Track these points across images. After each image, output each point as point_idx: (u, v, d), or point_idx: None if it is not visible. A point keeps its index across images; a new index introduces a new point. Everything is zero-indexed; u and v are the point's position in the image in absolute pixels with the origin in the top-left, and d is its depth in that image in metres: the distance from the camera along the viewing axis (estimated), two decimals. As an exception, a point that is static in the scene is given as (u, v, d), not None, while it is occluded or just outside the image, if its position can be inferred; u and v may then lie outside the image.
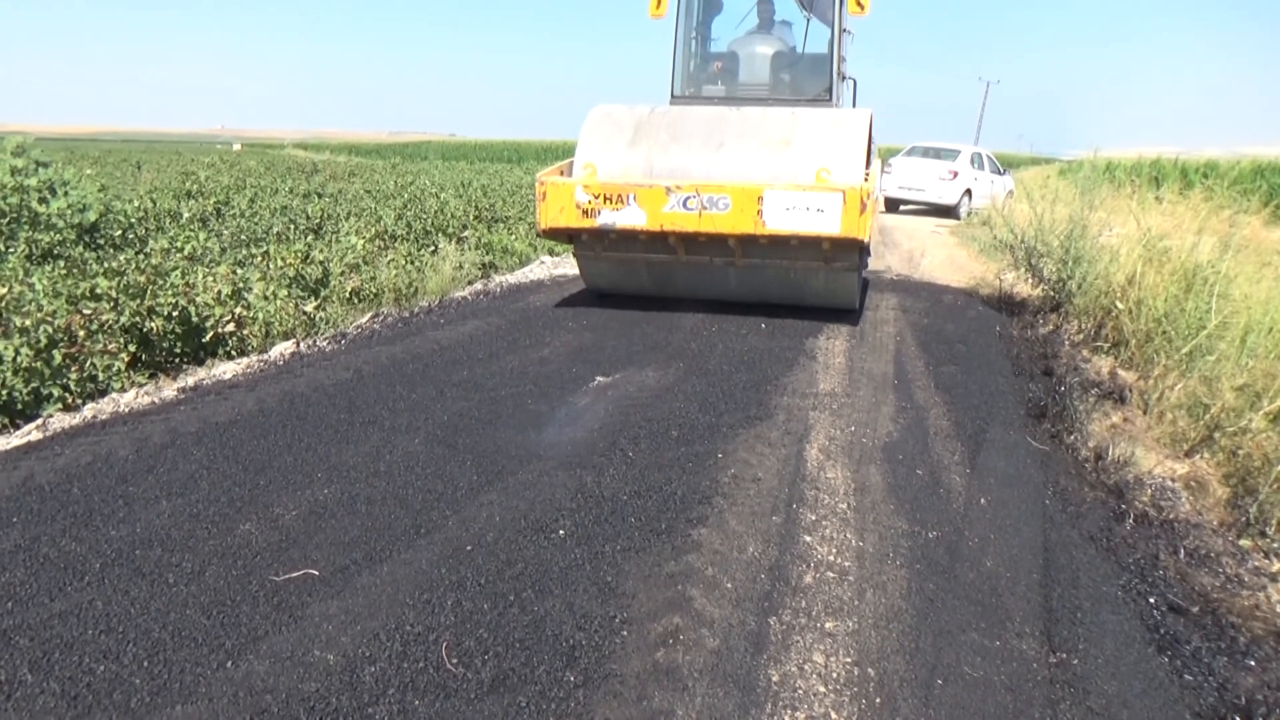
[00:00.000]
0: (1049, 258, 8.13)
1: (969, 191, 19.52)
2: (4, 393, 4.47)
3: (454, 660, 2.37)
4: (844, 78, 7.94)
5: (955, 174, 19.44)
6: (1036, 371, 5.89)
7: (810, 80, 7.98)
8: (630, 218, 6.26)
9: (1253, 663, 2.61)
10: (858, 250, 6.29)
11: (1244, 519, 3.61)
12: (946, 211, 19.40)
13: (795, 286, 6.86)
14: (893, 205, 20.62)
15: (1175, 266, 6.08)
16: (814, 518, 3.40)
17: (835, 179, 6.15)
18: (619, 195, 6.27)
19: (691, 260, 6.75)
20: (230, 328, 5.95)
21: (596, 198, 6.32)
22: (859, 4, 7.41)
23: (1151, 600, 2.97)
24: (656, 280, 7.20)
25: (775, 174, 6.33)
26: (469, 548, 3.01)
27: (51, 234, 8.70)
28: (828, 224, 5.88)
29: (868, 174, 6.31)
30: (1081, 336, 6.75)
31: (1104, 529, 3.51)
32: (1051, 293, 7.92)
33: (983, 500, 3.67)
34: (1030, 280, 8.77)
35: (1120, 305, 6.29)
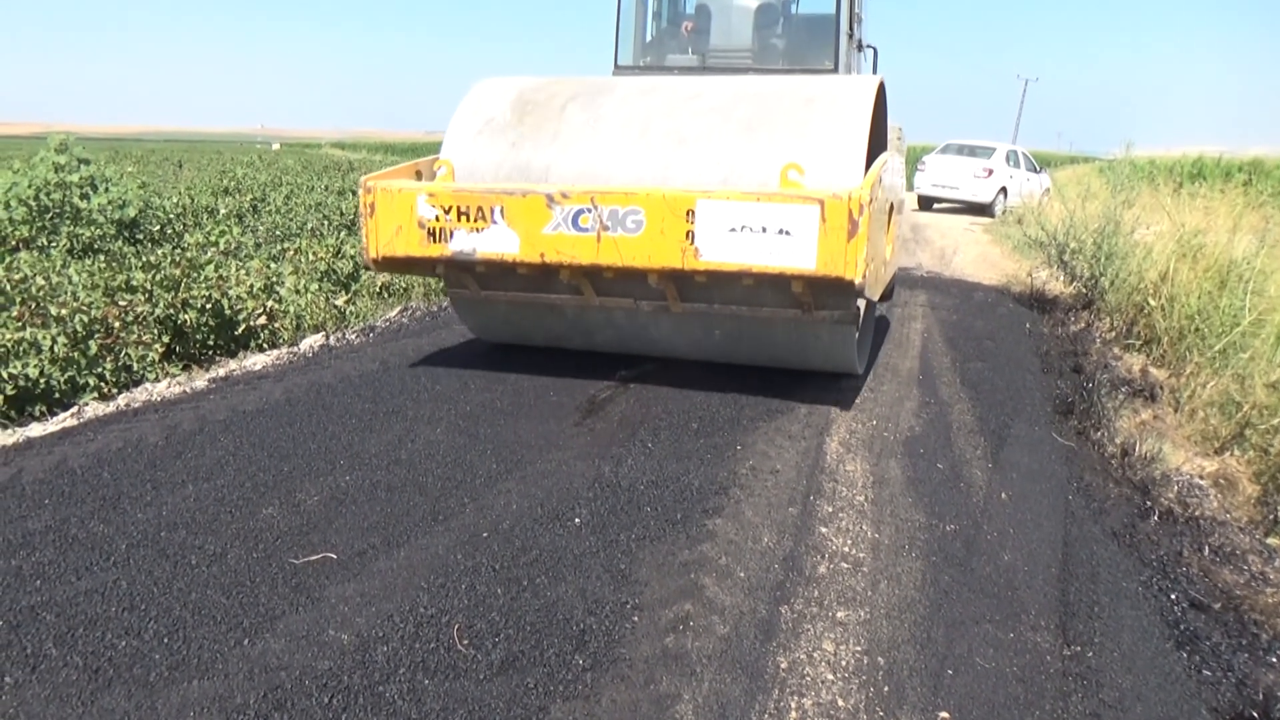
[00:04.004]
0: (1081, 255, 8.03)
1: (1004, 189, 19.32)
2: (42, 381, 4.59)
3: (465, 642, 2.40)
4: (859, 44, 6.22)
5: (990, 172, 19.26)
6: (1066, 368, 5.81)
7: (810, 44, 6.06)
8: (496, 242, 4.21)
9: (1274, 659, 2.56)
10: (851, 293, 4.05)
11: (1272, 517, 3.55)
12: (981, 210, 19.21)
13: (760, 344, 4.74)
14: (926, 203, 20.47)
15: (1209, 263, 5.98)
16: (831, 509, 3.40)
17: (811, 182, 4.03)
18: (479, 209, 4.20)
19: (607, 304, 4.64)
20: (262, 320, 6.06)
21: (447, 212, 4.26)
22: None
23: (1173, 596, 2.92)
24: (556, 331, 5.16)
25: (724, 175, 4.28)
26: (485, 534, 3.05)
27: (92, 229, 8.92)
28: (796, 254, 3.77)
29: (868, 174, 4.01)
30: (1113, 334, 6.65)
31: (1127, 525, 3.46)
32: (1083, 290, 7.83)
33: (1003, 495, 3.64)
34: (1062, 277, 8.67)
35: (1153, 302, 6.19)
